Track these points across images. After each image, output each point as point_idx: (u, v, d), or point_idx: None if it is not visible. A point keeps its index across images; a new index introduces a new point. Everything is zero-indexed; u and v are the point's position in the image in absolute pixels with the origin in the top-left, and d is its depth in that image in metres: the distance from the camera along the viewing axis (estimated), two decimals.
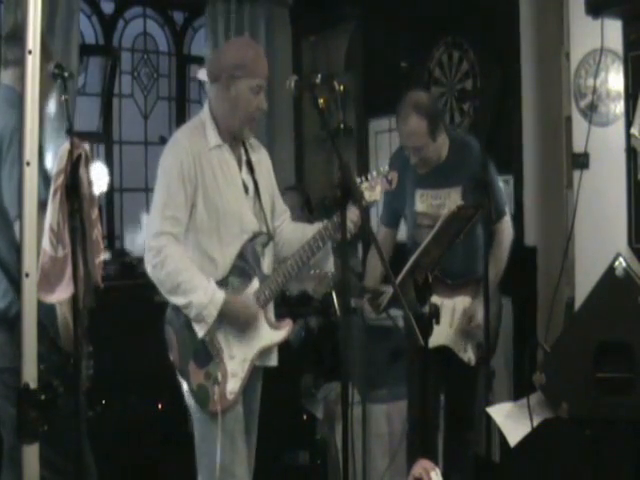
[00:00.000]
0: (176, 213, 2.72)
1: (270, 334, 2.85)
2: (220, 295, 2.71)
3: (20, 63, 2.72)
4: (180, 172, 2.72)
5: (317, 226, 2.90)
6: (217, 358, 2.75)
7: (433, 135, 3.35)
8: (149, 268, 2.73)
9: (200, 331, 2.72)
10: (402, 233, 3.82)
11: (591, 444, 2.70)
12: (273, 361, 2.92)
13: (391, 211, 3.62)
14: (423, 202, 3.49)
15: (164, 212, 2.71)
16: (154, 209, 2.76)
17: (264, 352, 2.85)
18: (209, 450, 2.72)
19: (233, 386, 2.75)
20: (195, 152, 2.76)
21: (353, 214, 2.74)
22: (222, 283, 2.77)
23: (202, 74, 2.91)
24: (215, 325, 2.73)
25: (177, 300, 2.71)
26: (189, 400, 2.80)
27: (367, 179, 2.88)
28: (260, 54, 2.85)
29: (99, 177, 2.54)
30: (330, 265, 3.00)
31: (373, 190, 2.86)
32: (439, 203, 3.44)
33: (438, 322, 3.18)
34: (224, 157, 2.83)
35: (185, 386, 2.78)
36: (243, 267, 2.82)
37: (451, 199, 3.42)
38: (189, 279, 2.69)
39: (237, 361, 2.77)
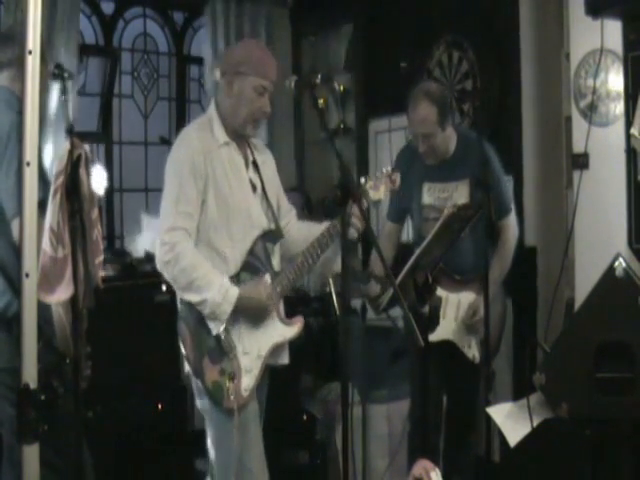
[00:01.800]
0: (189, 208, 2.72)
1: (282, 330, 2.85)
2: (234, 292, 2.70)
3: (14, 64, 2.74)
4: (192, 168, 2.73)
5: (324, 224, 2.90)
6: (231, 354, 2.74)
7: (442, 124, 3.37)
8: (160, 264, 2.71)
9: (214, 329, 2.72)
10: (404, 234, 3.83)
11: (591, 444, 2.70)
12: (284, 359, 2.91)
13: (398, 206, 3.63)
14: (430, 195, 3.50)
15: (177, 207, 2.71)
16: (166, 204, 2.74)
17: (276, 349, 2.84)
18: (225, 447, 2.71)
19: (248, 382, 2.74)
20: (205, 148, 2.77)
21: (357, 211, 2.72)
22: (233, 279, 2.76)
23: (217, 73, 2.91)
24: (229, 321, 2.73)
25: (191, 297, 2.70)
26: (201, 398, 2.78)
27: (371, 178, 2.88)
28: (268, 56, 2.86)
29: (97, 180, 2.54)
30: (338, 265, 3.01)
31: (377, 189, 2.88)
32: (446, 196, 3.45)
33: (438, 322, 3.19)
34: (232, 155, 2.84)
35: (199, 383, 2.75)
36: (254, 263, 2.82)
37: (458, 192, 3.43)
38: (203, 276, 2.68)
39: (251, 357, 2.77)
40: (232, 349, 2.74)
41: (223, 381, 2.71)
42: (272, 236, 2.88)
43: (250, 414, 2.76)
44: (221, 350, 2.73)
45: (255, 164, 2.91)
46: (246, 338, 2.77)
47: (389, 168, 2.94)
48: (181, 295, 2.75)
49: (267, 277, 2.82)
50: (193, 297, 2.69)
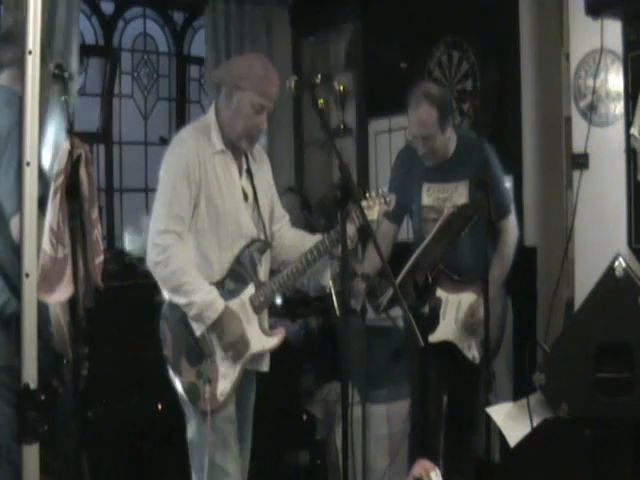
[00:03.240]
0: (181, 212, 2.73)
1: (262, 340, 2.85)
2: (221, 302, 2.73)
3: (16, 64, 2.74)
4: (186, 172, 2.73)
5: (316, 237, 2.90)
6: (209, 358, 2.76)
7: (442, 126, 3.36)
8: (151, 264, 2.73)
9: (198, 330, 2.75)
10: (402, 233, 3.83)
11: (591, 444, 2.70)
12: (264, 366, 2.92)
13: (396, 206, 3.62)
14: (430, 196, 3.49)
15: (170, 210, 2.72)
16: (159, 207, 2.76)
17: (255, 357, 2.86)
18: (201, 448, 2.74)
19: (224, 387, 2.76)
20: (200, 154, 2.77)
21: (349, 230, 2.72)
22: (218, 286, 2.77)
23: (214, 80, 2.91)
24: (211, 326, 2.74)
25: (178, 299, 2.72)
26: (182, 398, 2.81)
27: (365, 198, 2.88)
28: (270, 73, 2.80)
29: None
30: (326, 279, 3.02)
31: (371, 210, 2.87)
32: (445, 197, 3.44)
33: (438, 322, 3.19)
34: (226, 163, 2.84)
35: (177, 383, 2.79)
36: (240, 272, 2.83)
37: (458, 193, 3.42)
38: (192, 280, 2.70)
39: (229, 363, 2.79)
40: (211, 353, 2.77)
41: (199, 383, 2.73)
42: (260, 246, 2.88)
43: (226, 419, 2.78)
44: (200, 353, 2.76)
45: (249, 172, 2.91)
46: None
47: (385, 189, 2.95)
48: (169, 296, 2.77)
49: (251, 287, 2.83)
50: (181, 299, 2.71)
